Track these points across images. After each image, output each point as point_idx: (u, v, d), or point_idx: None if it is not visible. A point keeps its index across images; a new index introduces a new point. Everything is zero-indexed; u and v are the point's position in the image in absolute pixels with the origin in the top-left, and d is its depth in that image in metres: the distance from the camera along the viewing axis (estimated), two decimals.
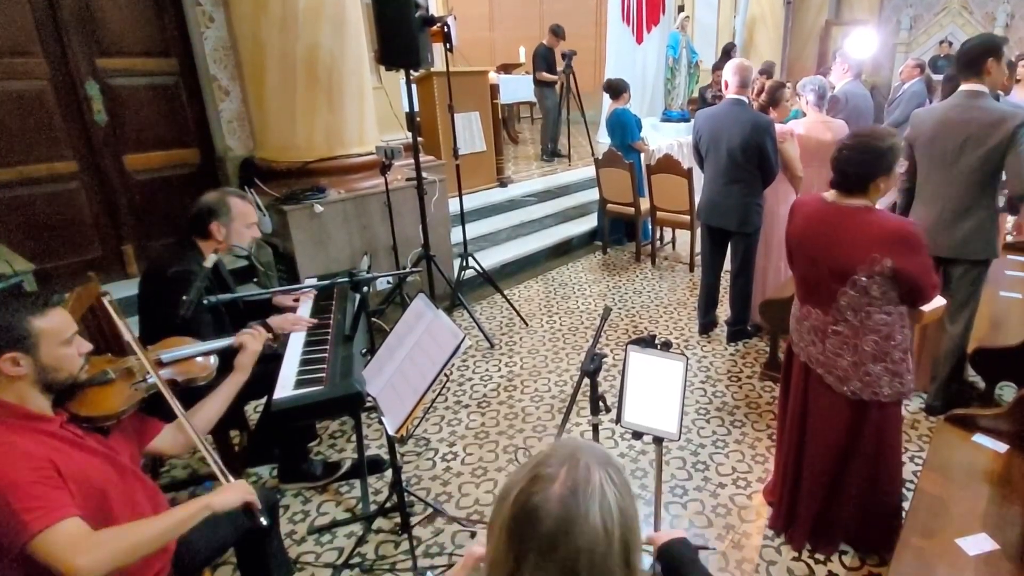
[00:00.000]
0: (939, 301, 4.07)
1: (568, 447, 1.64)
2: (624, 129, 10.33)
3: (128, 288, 4.58)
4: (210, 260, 4.29)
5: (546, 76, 14.16)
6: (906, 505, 4.62)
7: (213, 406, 3.61)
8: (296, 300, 5.11)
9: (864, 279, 3.74)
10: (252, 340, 3.89)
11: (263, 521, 3.07)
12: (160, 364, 3.44)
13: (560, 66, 13.93)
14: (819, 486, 4.34)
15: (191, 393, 3.52)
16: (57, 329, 2.76)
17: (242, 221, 4.52)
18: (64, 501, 2.54)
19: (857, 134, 3.89)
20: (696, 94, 15.26)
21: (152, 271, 4.43)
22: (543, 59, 14.20)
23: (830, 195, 3.92)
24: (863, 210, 3.76)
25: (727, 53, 15.24)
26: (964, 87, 5.18)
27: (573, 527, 1.50)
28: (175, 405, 3.21)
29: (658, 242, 10.70)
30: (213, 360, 3.72)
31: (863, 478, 4.17)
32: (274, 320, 4.80)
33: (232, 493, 2.99)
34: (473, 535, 4.65)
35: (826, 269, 3.93)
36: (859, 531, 4.36)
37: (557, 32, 14.19)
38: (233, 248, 4.55)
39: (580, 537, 1.49)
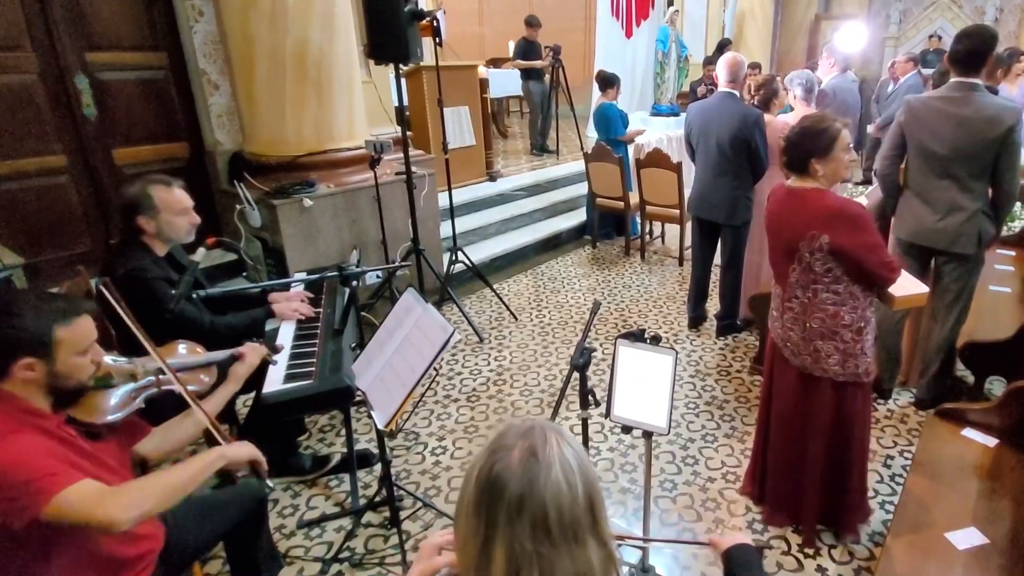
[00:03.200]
0: (917, 287, 4.11)
1: (522, 423, 1.68)
2: (608, 123, 10.35)
3: None
4: (199, 254, 4.26)
5: (521, 63, 14.21)
6: (895, 499, 4.66)
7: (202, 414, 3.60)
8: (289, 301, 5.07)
9: (807, 255, 3.85)
10: (251, 353, 3.87)
11: (269, 485, 3.09)
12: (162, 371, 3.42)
13: (545, 58, 13.94)
14: (781, 460, 4.46)
15: (181, 400, 3.50)
16: (78, 339, 2.76)
17: (170, 211, 4.32)
18: (73, 472, 2.56)
19: (801, 119, 4.04)
20: (686, 88, 15.26)
21: (103, 276, 4.34)
22: (519, 50, 14.30)
23: (791, 180, 4.04)
24: (812, 191, 3.88)
25: (721, 49, 15.24)
26: (961, 79, 5.14)
27: (537, 482, 1.54)
28: (192, 402, 3.22)
29: (647, 236, 10.70)
30: (214, 370, 3.71)
31: (822, 456, 4.23)
32: (278, 307, 4.79)
33: (244, 448, 3.08)
34: None
35: (780, 246, 4.08)
36: (825, 509, 4.41)
37: (531, 22, 14.26)
38: (172, 239, 4.42)
39: (546, 491, 1.54)
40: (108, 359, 3.19)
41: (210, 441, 4.63)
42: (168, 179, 4.43)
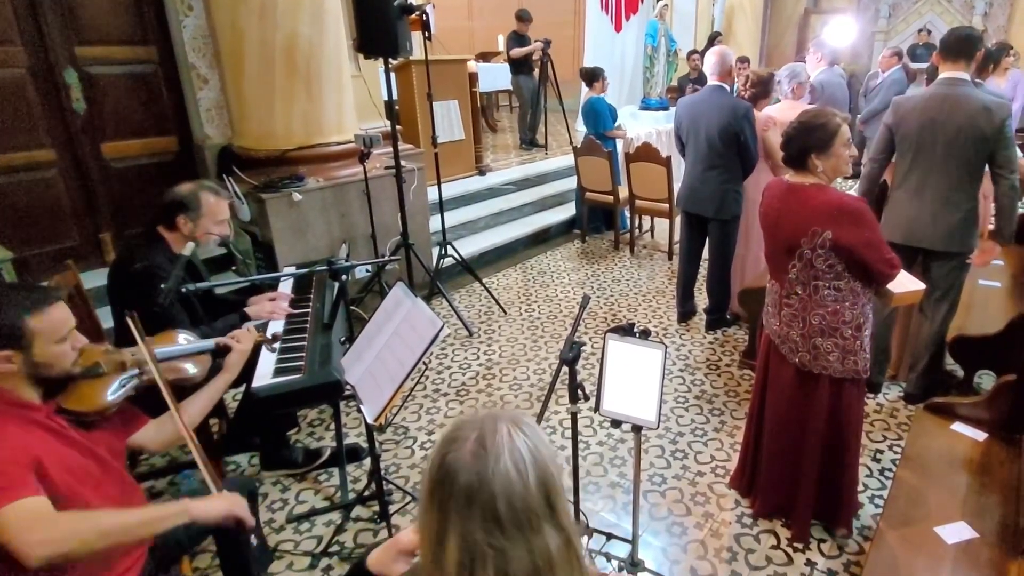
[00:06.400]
0: (915, 284, 4.10)
1: (477, 416, 1.70)
2: (597, 118, 10.36)
3: (105, 277, 4.57)
4: (188, 248, 4.27)
5: (518, 52, 14.16)
6: (884, 494, 4.66)
7: (199, 404, 3.59)
8: (272, 300, 5.06)
9: (808, 251, 3.83)
10: (241, 341, 3.86)
11: (253, 541, 3.06)
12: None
13: (536, 53, 13.94)
14: (775, 456, 4.44)
15: (177, 391, 3.50)
16: (53, 328, 2.74)
17: (211, 218, 4.44)
18: (30, 483, 2.51)
19: (800, 114, 3.99)
20: (675, 83, 15.25)
21: (118, 266, 4.40)
22: (513, 44, 14.26)
23: (789, 175, 4.01)
24: (812, 187, 3.85)
25: (712, 42, 15.27)
26: (948, 74, 5.13)
27: (485, 473, 1.56)
28: (172, 403, 3.19)
29: (637, 230, 10.70)
30: (206, 360, 3.71)
31: (818, 452, 4.21)
32: (251, 309, 4.78)
33: (218, 504, 2.95)
34: None
35: (779, 243, 4.05)
36: (817, 504, 4.39)
37: (523, 17, 14.23)
38: (197, 244, 4.44)
39: (494, 482, 1.56)
40: (99, 348, 3.20)
41: (198, 435, 4.65)
42: (218, 188, 4.59)
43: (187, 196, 4.36)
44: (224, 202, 4.54)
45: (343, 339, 4.65)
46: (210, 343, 3.78)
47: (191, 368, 3.61)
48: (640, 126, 12.94)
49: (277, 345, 4.26)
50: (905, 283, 4.03)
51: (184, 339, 3.74)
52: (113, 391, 3.06)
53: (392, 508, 4.67)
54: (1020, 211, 5.42)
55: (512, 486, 1.56)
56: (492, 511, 1.55)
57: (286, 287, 5.25)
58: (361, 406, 3.82)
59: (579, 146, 10.26)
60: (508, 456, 1.58)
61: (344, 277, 4.49)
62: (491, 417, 1.67)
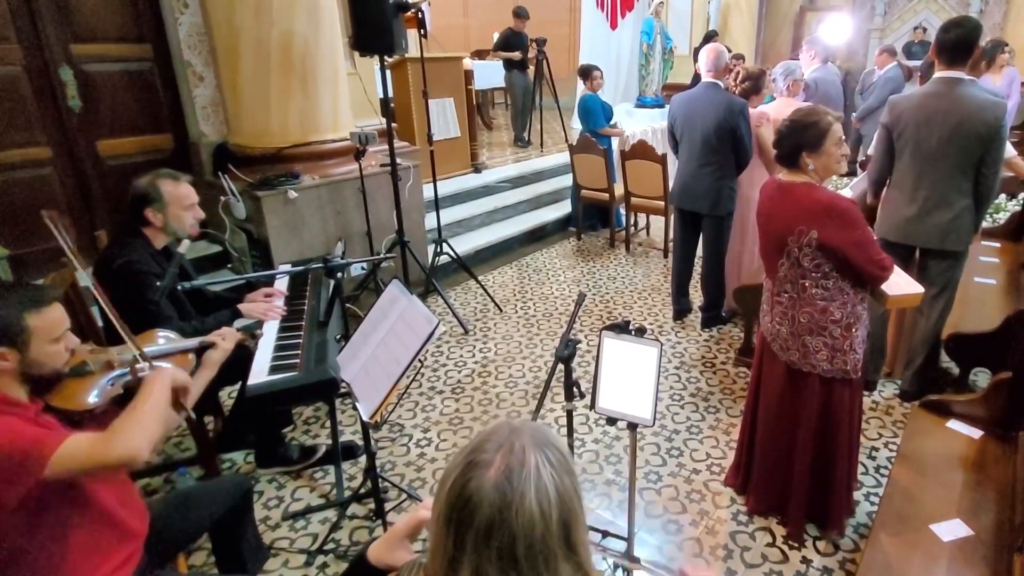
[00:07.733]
0: (912, 287, 4.08)
1: (505, 430, 1.64)
2: (589, 115, 10.39)
3: None
4: (183, 246, 4.27)
5: (502, 54, 14.27)
6: (880, 491, 4.66)
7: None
8: (268, 297, 5.05)
9: (795, 250, 3.83)
10: (225, 339, 3.86)
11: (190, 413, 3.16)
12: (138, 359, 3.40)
13: (531, 51, 13.96)
14: (768, 454, 4.45)
15: None
16: (51, 327, 2.74)
17: (178, 205, 4.41)
18: (60, 432, 2.59)
19: (792, 112, 3.97)
20: (673, 80, 15.24)
21: (99, 265, 4.34)
22: (502, 40, 14.30)
23: (782, 173, 4.01)
24: (802, 185, 3.84)
25: (708, 40, 15.26)
26: (944, 73, 5.10)
27: (508, 513, 1.50)
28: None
29: (632, 228, 10.74)
30: (192, 358, 3.70)
31: (809, 451, 4.20)
32: (245, 307, 4.77)
33: (179, 373, 3.19)
34: None
35: (770, 240, 4.05)
36: (811, 503, 4.38)
37: (520, 13, 14.22)
38: (176, 232, 4.45)
39: (516, 522, 1.50)
40: (85, 347, 3.20)
41: (193, 432, 4.66)
42: (176, 173, 4.53)
43: (146, 188, 4.35)
44: (186, 185, 4.50)
45: (339, 337, 4.65)
46: (195, 342, 3.77)
47: (176, 362, 3.62)
48: (636, 124, 12.97)
49: (261, 349, 4.26)
50: (902, 285, 4.01)
51: (164, 338, 3.73)
52: (100, 389, 3.06)
53: (388, 506, 4.66)
54: (1019, 208, 5.42)
55: (534, 529, 1.51)
56: (510, 552, 1.51)
57: (281, 285, 5.24)
58: (357, 403, 3.81)
59: (575, 143, 10.25)
60: (534, 495, 1.52)
61: (339, 275, 4.51)
62: (518, 435, 1.62)
